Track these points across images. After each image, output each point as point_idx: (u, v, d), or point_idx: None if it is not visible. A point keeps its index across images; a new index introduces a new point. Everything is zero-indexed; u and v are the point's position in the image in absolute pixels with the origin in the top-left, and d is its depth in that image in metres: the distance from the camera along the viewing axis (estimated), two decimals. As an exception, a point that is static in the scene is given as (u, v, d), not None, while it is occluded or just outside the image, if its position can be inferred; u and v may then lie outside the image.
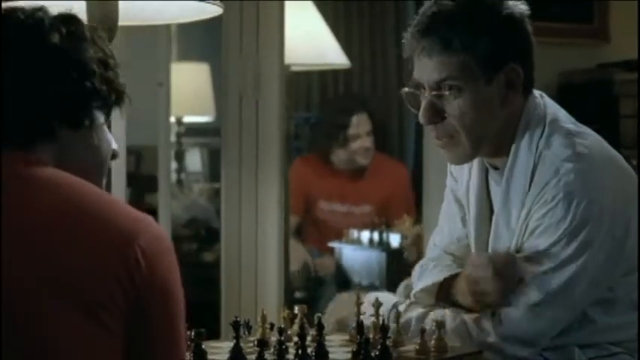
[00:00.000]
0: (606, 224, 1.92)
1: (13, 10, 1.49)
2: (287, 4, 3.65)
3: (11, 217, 1.36)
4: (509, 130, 2.00)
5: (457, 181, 2.17)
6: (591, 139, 2.00)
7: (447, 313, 1.99)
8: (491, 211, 2.07)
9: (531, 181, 1.96)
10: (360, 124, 4.67)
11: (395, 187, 4.74)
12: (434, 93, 1.95)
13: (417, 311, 2.05)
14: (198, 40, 5.35)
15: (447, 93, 1.94)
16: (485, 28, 1.94)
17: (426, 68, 1.95)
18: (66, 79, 1.46)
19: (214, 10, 2.19)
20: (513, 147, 1.99)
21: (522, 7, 1.99)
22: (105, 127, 1.55)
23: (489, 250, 2.06)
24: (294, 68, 4.06)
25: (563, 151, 1.94)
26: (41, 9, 1.50)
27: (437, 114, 1.96)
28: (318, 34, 4.23)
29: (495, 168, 2.04)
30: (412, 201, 4.70)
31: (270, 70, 3.59)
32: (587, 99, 4.40)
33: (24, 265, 1.34)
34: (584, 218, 1.90)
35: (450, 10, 1.94)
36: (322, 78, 5.85)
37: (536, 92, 2.04)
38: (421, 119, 1.98)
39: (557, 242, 1.92)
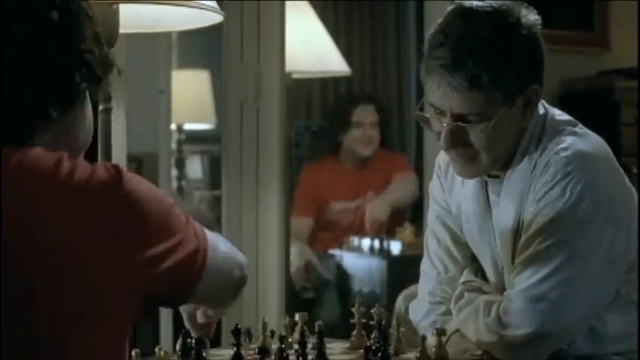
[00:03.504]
0: (605, 206, 1.90)
1: None
2: (288, 11, 3.65)
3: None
4: (519, 140, 1.99)
5: (448, 204, 2.16)
6: (589, 132, 2.02)
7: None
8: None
9: (531, 182, 1.96)
10: (365, 114, 4.73)
11: (397, 170, 4.77)
12: (456, 123, 1.92)
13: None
14: (199, 47, 5.35)
15: (470, 123, 1.92)
16: (510, 58, 1.90)
17: (451, 100, 1.90)
18: (64, 59, 1.41)
19: (215, 18, 2.19)
20: (518, 152, 1.99)
21: (535, 18, 1.95)
22: (88, 100, 1.50)
23: (496, 258, 2.06)
24: (294, 76, 4.06)
25: (563, 139, 1.95)
26: None
27: (459, 141, 1.94)
28: (319, 41, 4.24)
29: (495, 177, 2.03)
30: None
31: (270, 77, 3.59)
32: (588, 106, 4.39)
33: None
34: (581, 196, 1.89)
35: (475, 42, 1.87)
36: (323, 85, 5.85)
37: None
38: (442, 146, 1.96)
39: (554, 220, 1.90)
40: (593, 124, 2.09)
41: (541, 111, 2.01)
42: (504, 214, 2.01)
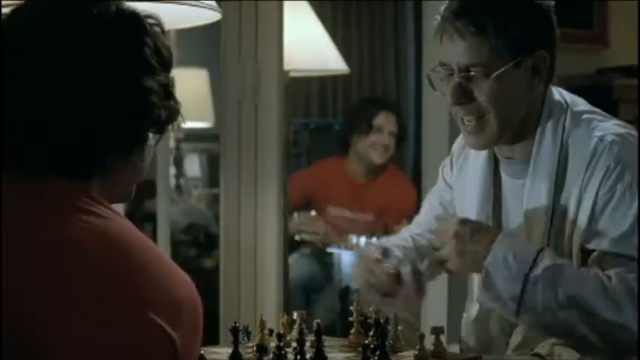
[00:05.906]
0: None
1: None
2: (286, 9, 3.65)
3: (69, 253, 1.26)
4: (531, 117, 2.03)
5: (452, 188, 2.21)
6: (616, 122, 2.05)
7: None
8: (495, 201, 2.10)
9: (560, 165, 1.98)
10: (386, 121, 4.61)
11: (400, 203, 4.62)
12: (462, 74, 1.96)
13: None
14: (197, 46, 5.34)
15: (475, 75, 1.95)
16: (518, 13, 1.96)
17: (457, 51, 1.96)
18: (134, 105, 1.34)
19: (213, 16, 2.19)
20: (538, 133, 2.01)
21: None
22: (148, 145, 1.42)
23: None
24: (292, 74, 4.06)
25: (597, 130, 1.99)
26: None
27: (465, 95, 1.98)
28: (317, 39, 4.23)
29: (508, 158, 2.06)
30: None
31: (268, 75, 3.59)
32: (587, 104, 4.40)
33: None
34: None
35: None
36: (321, 84, 5.85)
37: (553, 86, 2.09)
38: (449, 100, 2.00)
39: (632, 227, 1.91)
40: (591, 121, 2.10)
41: (557, 97, 2.07)
42: (535, 196, 2.01)
